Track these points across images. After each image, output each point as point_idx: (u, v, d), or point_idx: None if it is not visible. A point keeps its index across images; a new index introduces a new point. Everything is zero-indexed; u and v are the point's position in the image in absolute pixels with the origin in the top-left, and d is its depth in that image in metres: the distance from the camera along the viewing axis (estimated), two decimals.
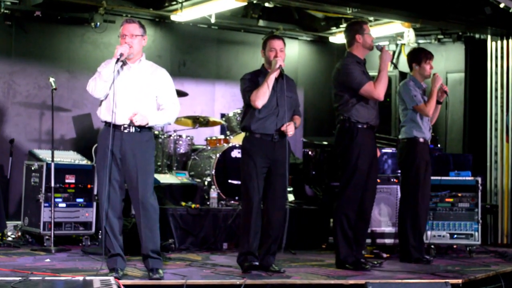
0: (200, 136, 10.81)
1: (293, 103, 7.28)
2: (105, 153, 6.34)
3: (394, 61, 12.26)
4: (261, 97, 6.95)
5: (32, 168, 8.91)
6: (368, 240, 8.85)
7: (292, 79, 7.44)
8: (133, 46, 6.40)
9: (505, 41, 11.26)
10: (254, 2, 10.95)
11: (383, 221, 8.95)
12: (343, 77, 7.55)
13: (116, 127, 6.38)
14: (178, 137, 10.19)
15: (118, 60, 6.29)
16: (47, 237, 8.48)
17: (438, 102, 8.38)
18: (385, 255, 8.61)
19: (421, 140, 8.27)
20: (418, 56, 8.38)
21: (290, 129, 7.03)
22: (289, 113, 7.11)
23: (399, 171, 8.88)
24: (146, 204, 6.39)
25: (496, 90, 11.29)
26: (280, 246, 7.09)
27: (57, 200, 8.63)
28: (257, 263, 6.97)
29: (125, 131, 6.39)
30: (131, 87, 6.42)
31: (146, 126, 6.40)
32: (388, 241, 9.00)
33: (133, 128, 6.38)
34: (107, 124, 6.42)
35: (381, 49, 7.63)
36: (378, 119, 7.72)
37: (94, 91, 6.39)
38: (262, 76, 7.12)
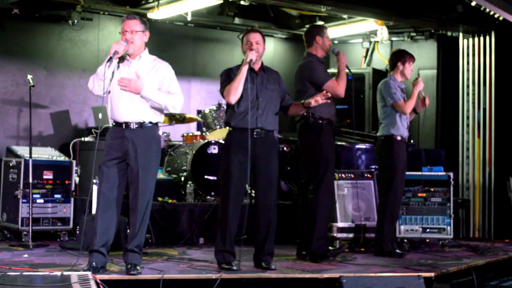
0: (177, 132, 10.83)
1: (276, 95, 7.12)
2: (108, 153, 6.39)
3: (368, 58, 12.65)
4: (232, 93, 6.82)
5: (10, 164, 8.89)
6: (344, 235, 8.97)
7: (276, 71, 7.26)
8: (134, 42, 6.37)
9: (476, 39, 11.41)
10: (230, 0, 11.04)
11: (357, 215, 9.03)
12: (308, 73, 7.74)
13: (118, 124, 6.44)
14: None
15: (111, 58, 6.23)
16: (25, 232, 8.47)
17: (414, 111, 8.57)
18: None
19: (399, 138, 8.37)
20: (404, 56, 8.53)
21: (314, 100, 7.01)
22: (271, 106, 7.04)
23: (373, 167, 8.96)
24: (144, 201, 6.39)
25: (468, 86, 11.45)
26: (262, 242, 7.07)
27: (35, 196, 8.62)
28: (234, 262, 6.90)
29: (126, 128, 6.39)
30: None
31: (141, 96, 6.31)
32: (363, 235, 8.94)
33: (134, 124, 6.38)
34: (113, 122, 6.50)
35: (337, 53, 7.88)
36: (336, 116, 7.94)
37: (92, 88, 6.39)
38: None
